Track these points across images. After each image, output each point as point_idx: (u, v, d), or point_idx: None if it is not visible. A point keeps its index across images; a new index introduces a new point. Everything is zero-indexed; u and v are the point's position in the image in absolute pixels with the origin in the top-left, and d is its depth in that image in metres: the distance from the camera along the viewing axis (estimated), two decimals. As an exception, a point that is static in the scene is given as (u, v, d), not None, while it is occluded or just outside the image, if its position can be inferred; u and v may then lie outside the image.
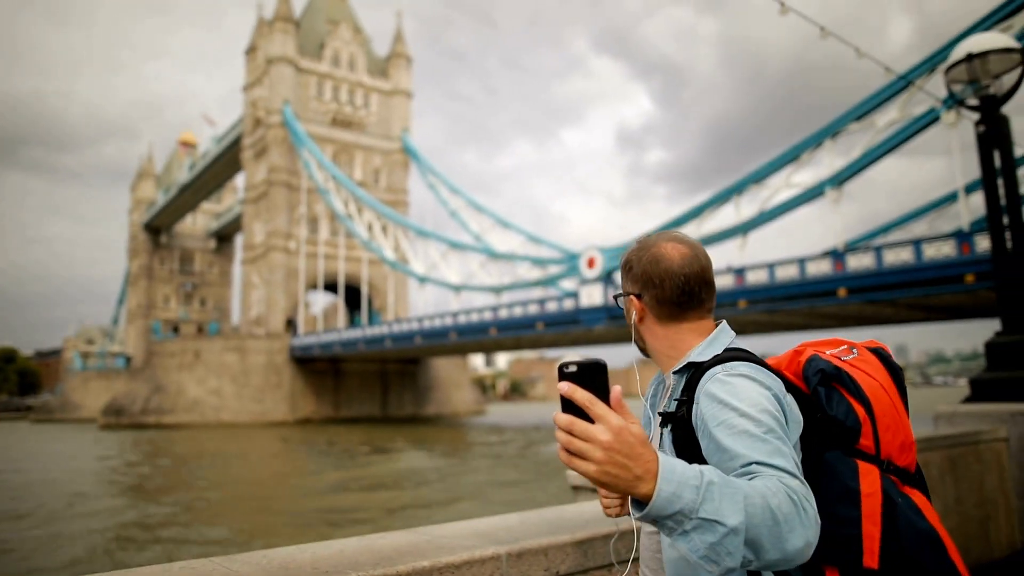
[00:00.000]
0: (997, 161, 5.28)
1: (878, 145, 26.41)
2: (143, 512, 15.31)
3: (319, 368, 58.59)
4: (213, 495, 17.89)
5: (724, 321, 1.31)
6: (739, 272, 28.28)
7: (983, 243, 21.68)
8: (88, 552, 11.49)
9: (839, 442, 1.19)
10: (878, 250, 24.76)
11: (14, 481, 21.25)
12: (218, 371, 55.92)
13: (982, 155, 5.32)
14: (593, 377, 0.87)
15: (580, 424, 0.85)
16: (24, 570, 10.52)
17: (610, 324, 34.00)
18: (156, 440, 38.93)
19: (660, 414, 1.24)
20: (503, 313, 41.24)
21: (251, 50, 68.61)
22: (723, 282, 27.57)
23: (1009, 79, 5.36)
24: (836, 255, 25.80)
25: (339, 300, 63.14)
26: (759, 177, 30.20)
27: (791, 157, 29.06)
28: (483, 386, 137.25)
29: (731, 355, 1.18)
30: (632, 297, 1.30)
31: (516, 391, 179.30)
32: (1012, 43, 5.38)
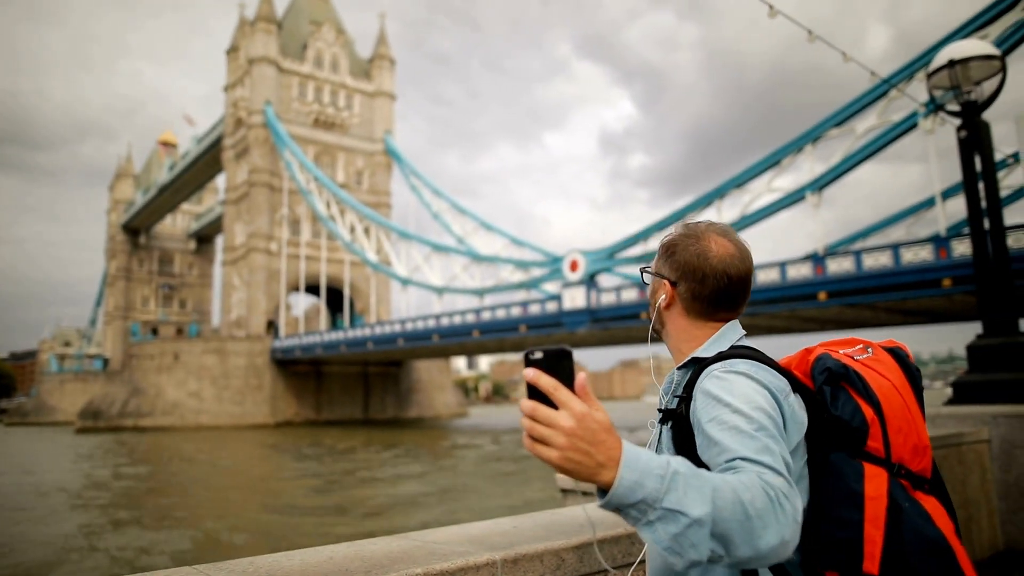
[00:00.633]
0: (978, 165, 5.34)
1: (857, 151, 26.74)
2: (96, 521, 14.85)
3: (300, 370, 58.16)
4: (185, 502, 17.54)
5: (735, 320, 1.28)
6: (721, 275, 28.38)
7: (960, 248, 22.03)
8: (39, 562, 11.16)
9: (845, 443, 1.15)
10: (858, 254, 25.06)
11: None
12: (198, 373, 55.28)
13: (963, 160, 5.38)
14: (558, 364, 0.85)
15: (543, 410, 0.83)
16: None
17: (593, 327, 34.07)
18: (131, 443, 38.37)
19: (660, 411, 1.22)
20: (486, 316, 41.20)
21: (232, 50, 68.03)
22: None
23: (989, 85, 5.44)
24: (816, 259, 26.06)
25: (321, 302, 62.70)
26: (740, 181, 30.47)
27: (772, 162, 29.35)
28: (465, 388, 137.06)
29: (734, 352, 1.16)
30: (666, 282, 1.27)
31: (498, 393, 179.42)
32: (993, 50, 5.45)
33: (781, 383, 1.11)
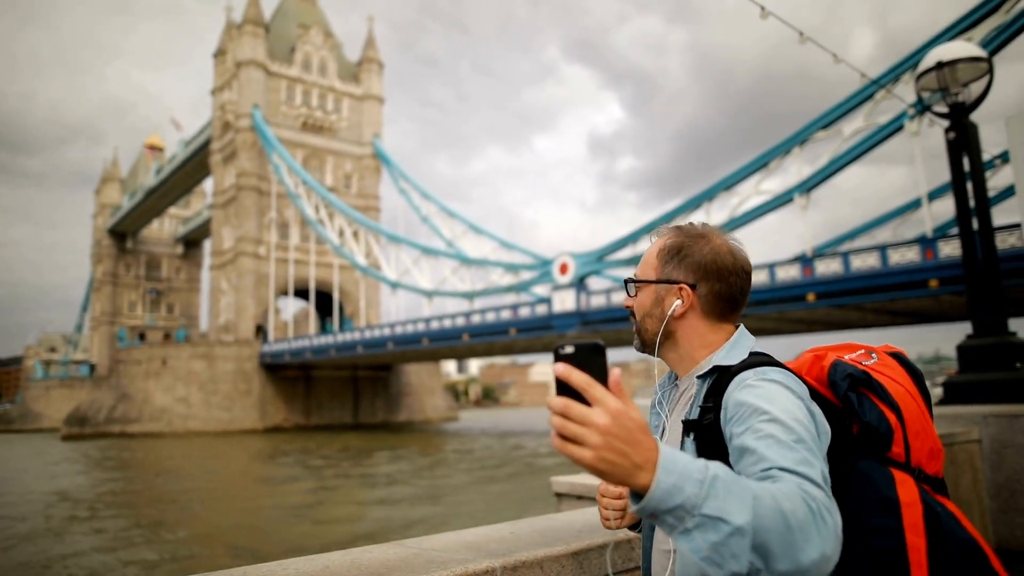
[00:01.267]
0: (966, 166, 5.37)
1: (844, 153, 26.97)
2: (79, 531, 14.60)
3: (290, 375, 57.86)
4: (165, 513, 17.23)
5: (742, 324, 1.26)
6: (710, 277, 28.52)
7: (946, 248, 22.22)
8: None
9: (871, 450, 1.13)
10: (845, 256, 25.23)
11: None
12: (186, 379, 54.87)
13: (952, 161, 5.40)
14: (591, 359, 0.81)
15: (576, 407, 0.77)
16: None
17: (583, 329, 34.10)
18: (116, 449, 38.01)
19: (683, 422, 1.17)
20: (476, 319, 41.15)
21: (220, 53, 67.73)
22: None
23: (977, 87, 5.47)
24: (805, 260, 26.22)
25: (310, 306, 62.45)
26: (729, 184, 30.64)
27: (760, 164, 29.55)
28: (455, 392, 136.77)
29: (759, 360, 1.13)
30: (683, 287, 1.22)
31: (488, 397, 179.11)
32: (980, 52, 5.49)
33: (807, 392, 1.08)
